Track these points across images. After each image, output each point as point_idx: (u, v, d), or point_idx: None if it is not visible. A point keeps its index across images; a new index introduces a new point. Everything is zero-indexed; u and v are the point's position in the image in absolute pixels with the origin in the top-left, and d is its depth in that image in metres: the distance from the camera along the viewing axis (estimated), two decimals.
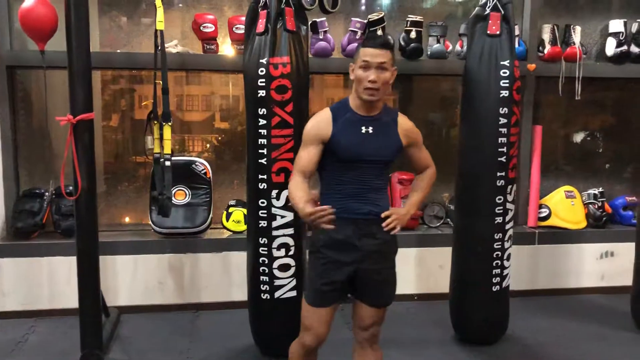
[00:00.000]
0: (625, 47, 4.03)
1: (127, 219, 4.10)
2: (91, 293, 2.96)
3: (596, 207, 4.14)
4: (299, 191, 2.26)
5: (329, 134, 2.29)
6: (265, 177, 2.94)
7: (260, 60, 2.92)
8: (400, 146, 2.37)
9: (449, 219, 4.03)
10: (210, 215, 3.72)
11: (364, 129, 2.30)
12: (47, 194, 3.62)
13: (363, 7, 4.26)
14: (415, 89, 4.49)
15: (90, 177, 2.87)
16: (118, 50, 3.86)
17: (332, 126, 2.29)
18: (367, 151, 2.29)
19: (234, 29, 3.62)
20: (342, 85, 4.47)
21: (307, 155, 2.31)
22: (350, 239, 2.26)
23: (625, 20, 4.05)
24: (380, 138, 2.32)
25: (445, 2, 4.38)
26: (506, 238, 3.17)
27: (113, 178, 4.10)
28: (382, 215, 2.28)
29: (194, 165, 3.72)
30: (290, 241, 2.98)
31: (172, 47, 3.66)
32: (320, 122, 2.32)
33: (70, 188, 2.89)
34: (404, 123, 2.41)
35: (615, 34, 4.07)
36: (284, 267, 2.97)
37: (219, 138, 4.26)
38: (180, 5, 4.05)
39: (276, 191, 2.94)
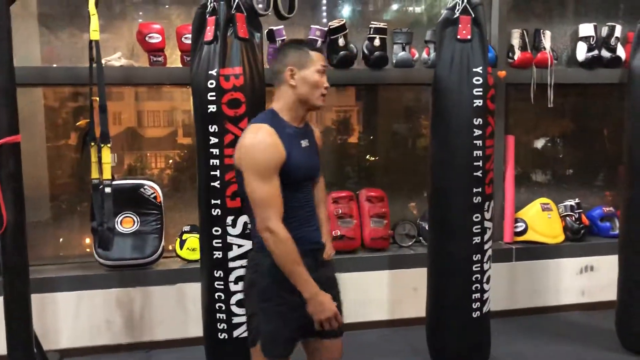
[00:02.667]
0: (596, 52, 3.88)
1: (73, 251, 3.75)
2: (22, 339, 2.62)
3: (573, 219, 3.96)
4: (301, 263, 1.93)
5: (284, 157, 1.97)
6: (218, 202, 2.66)
7: (210, 72, 2.65)
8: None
9: (421, 237, 3.79)
10: (162, 244, 3.39)
11: (303, 143, 2.07)
12: None
13: (324, 14, 4.04)
14: (380, 100, 4.28)
15: (18, 208, 2.53)
16: (54, 65, 3.52)
17: (284, 146, 1.98)
18: (312, 167, 2.11)
19: (182, 39, 3.34)
20: None
21: (276, 190, 1.95)
22: (312, 272, 1.97)
23: (595, 24, 3.90)
24: (313, 150, 2.14)
25: (409, 8, 4.17)
26: (485, 259, 2.93)
27: (59, 204, 3.75)
28: (323, 240, 2.16)
29: (142, 189, 3.39)
30: None
31: (116, 60, 3.35)
32: (271, 145, 1.96)
33: None
34: (315, 130, 2.25)
35: (586, 39, 3.91)
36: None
37: (177, 155, 4.00)
38: (129, 15, 3.75)
39: (232, 217, 2.66)
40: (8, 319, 2.59)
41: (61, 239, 3.83)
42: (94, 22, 2.67)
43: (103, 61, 2.89)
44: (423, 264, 3.16)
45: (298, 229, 2.02)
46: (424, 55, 3.72)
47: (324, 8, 4.09)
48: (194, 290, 3.18)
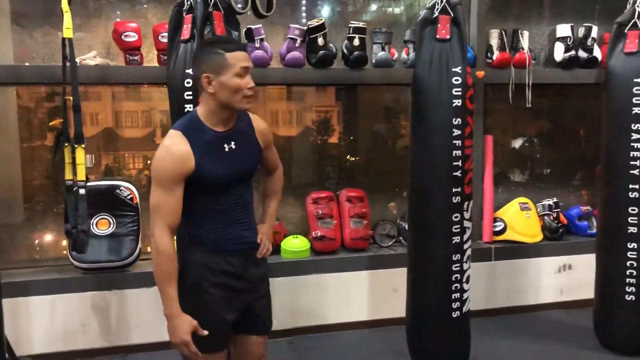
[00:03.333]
0: (573, 52, 3.90)
1: (47, 254, 3.67)
2: None
3: (552, 218, 3.98)
4: (172, 282, 1.94)
5: (192, 165, 1.94)
6: None
7: (187, 71, 2.62)
8: (260, 151, 2.16)
9: (401, 238, 3.78)
10: (139, 246, 3.33)
11: (226, 147, 2.02)
12: None
13: (304, 13, 4.00)
14: (360, 100, 4.26)
15: None
16: (27, 63, 3.44)
17: (193, 155, 1.94)
18: (237, 172, 2.04)
19: (159, 37, 3.28)
20: (284, 98, 4.19)
21: (172, 200, 1.93)
22: (238, 273, 2.05)
23: (572, 24, 3.93)
24: (243, 151, 2.07)
25: (388, 8, 4.16)
26: (465, 259, 2.93)
27: (34, 206, 3.67)
28: (258, 240, 2.15)
29: (118, 191, 3.33)
30: None
31: (91, 58, 3.29)
32: (177, 155, 1.93)
33: None
34: (259, 125, 2.17)
35: (563, 39, 3.94)
36: None
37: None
38: (104, 13, 3.68)
39: None
40: None
41: (35, 242, 3.74)
42: (67, 19, 2.62)
43: (77, 60, 2.83)
44: (403, 264, 3.15)
45: (224, 229, 2.04)
46: (403, 55, 3.72)
47: (304, 7, 4.06)
48: None
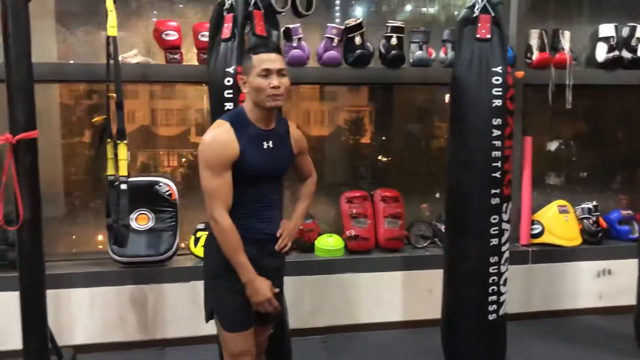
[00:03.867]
0: (616, 53, 3.82)
1: (86, 247, 3.75)
2: (37, 335, 2.62)
3: (591, 222, 3.90)
4: (240, 252, 2.11)
5: (237, 153, 2.10)
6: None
7: (227, 69, 2.64)
8: (293, 155, 2.31)
9: (436, 239, 3.75)
10: (177, 241, 3.38)
11: (265, 145, 2.17)
12: None
13: (340, 12, 4.01)
14: (393, 100, 4.25)
15: (34, 204, 2.53)
16: (71, 61, 3.53)
17: (238, 143, 2.10)
18: (270, 167, 2.18)
19: (199, 36, 3.32)
20: (317, 97, 4.21)
21: (225, 184, 2.10)
22: (253, 261, 2.15)
23: (616, 24, 3.84)
24: (279, 152, 2.21)
25: (425, 8, 4.14)
26: (502, 261, 2.89)
27: (74, 200, 3.75)
28: (278, 234, 2.25)
29: (157, 186, 3.38)
30: None
31: (132, 57, 3.35)
32: (225, 141, 2.10)
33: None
34: (295, 133, 2.34)
35: (606, 39, 3.85)
36: None
37: (190, 154, 3.99)
38: (145, 12, 3.75)
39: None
40: (24, 314, 2.59)
41: (75, 236, 3.83)
42: (112, 17, 2.67)
43: (120, 58, 2.88)
44: (438, 265, 3.13)
45: (245, 219, 2.15)
46: (441, 54, 3.69)
47: (341, 6, 4.07)
48: None
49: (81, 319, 3.27)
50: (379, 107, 4.32)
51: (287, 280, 2.84)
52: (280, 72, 2.12)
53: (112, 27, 2.67)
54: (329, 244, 3.54)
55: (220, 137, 2.10)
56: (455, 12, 4.14)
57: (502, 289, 2.92)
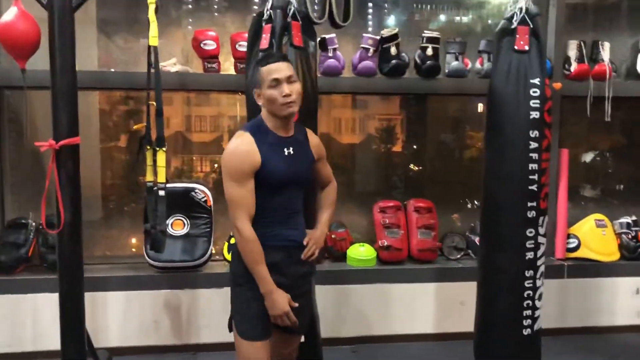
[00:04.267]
0: None
1: (122, 251, 3.83)
2: (75, 335, 2.69)
3: (630, 237, 3.82)
4: (261, 263, 2.13)
5: (258, 162, 2.13)
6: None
7: None
8: (313, 162, 2.34)
9: (469, 251, 3.72)
10: (211, 247, 3.42)
11: (286, 151, 2.20)
12: (33, 224, 3.34)
13: (376, 22, 4.03)
14: (425, 108, 4.23)
15: (74, 209, 2.60)
16: (112, 69, 3.61)
17: (259, 152, 2.13)
18: (293, 174, 2.20)
19: (237, 46, 3.37)
20: (349, 105, 4.22)
21: (249, 193, 2.14)
22: (279, 267, 2.19)
23: None
24: (300, 158, 2.24)
25: (462, 18, 4.12)
26: (538, 275, 2.84)
27: (110, 204, 3.84)
28: (305, 242, 2.26)
29: (193, 193, 3.44)
30: None
31: (171, 65, 3.42)
32: (246, 152, 2.14)
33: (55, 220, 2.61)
34: (313, 139, 2.37)
35: None
36: None
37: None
38: (184, 22, 3.83)
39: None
40: (62, 315, 2.66)
41: (111, 239, 3.91)
42: (153, 28, 2.72)
43: (159, 66, 2.94)
44: (471, 277, 3.10)
45: (271, 226, 2.18)
46: (477, 65, 3.67)
47: (375, 16, 4.08)
48: None
49: (116, 321, 3.33)
50: (411, 115, 4.31)
51: (319, 289, 2.88)
52: (289, 79, 2.15)
53: (153, 37, 2.73)
54: (361, 253, 3.54)
55: (242, 147, 2.14)
56: (489, 21, 4.11)
57: (537, 303, 2.87)
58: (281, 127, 2.20)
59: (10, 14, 2.63)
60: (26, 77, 2.75)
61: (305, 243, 2.27)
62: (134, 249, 3.86)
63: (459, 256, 3.71)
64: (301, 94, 2.21)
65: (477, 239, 3.52)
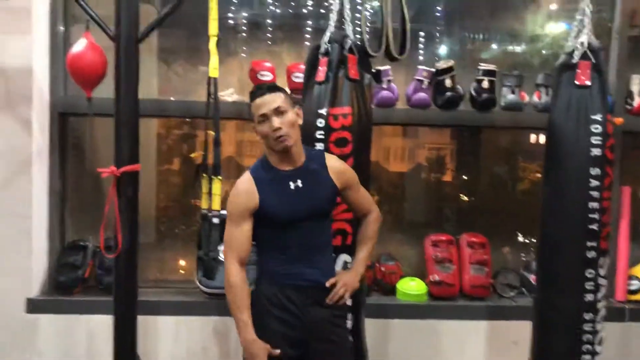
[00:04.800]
0: None
1: (173, 275, 3.89)
2: (127, 357, 2.73)
3: None
4: (244, 310, 2.11)
5: (256, 201, 2.09)
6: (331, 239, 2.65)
7: (319, 111, 2.69)
8: (335, 191, 2.20)
9: (524, 289, 3.60)
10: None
11: (292, 185, 2.12)
12: (90, 246, 3.44)
13: (422, 53, 4.02)
14: (476, 139, 4.17)
15: (132, 234, 2.66)
16: (172, 98, 3.73)
17: (258, 192, 2.09)
18: (303, 209, 2.10)
19: (292, 77, 3.43)
20: (399, 134, 4.20)
21: (240, 234, 2.11)
22: (297, 309, 2.10)
23: None
24: (312, 189, 2.13)
25: (520, 51, 4.07)
26: (598, 318, 2.73)
27: (163, 227, 3.92)
28: (328, 284, 2.16)
29: None
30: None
31: (228, 95, 3.50)
32: (243, 192, 2.13)
33: (112, 243, 2.68)
34: (334, 165, 2.25)
35: None
36: None
37: None
38: (241, 53, 3.92)
39: (332, 255, 2.63)
40: (116, 338, 2.71)
41: (164, 263, 3.98)
42: (214, 60, 2.80)
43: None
44: (525, 316, 3.01)
45: (287, 263, 2.13)
46: (535, 98, 3.60)
47: (429, 47, 4.08)
48: None
49: (166, 346, 3.36)
50: (463, 145, 4.24)
51: (367, 323, 2.84)
52: (278, 111, 2.09)
53: (214, 68, 2.81)
54: (411, 287, 3.48)
55: (239, 187, 2.15)
56: (543, 51, 4.04)
57: (597, 348, 2.75)
58: (284, 161, 2.16)
59: (80, 45, 2.76)
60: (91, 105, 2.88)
61: (328, 285, 2.16)
62: (183, 272, 3.92)
63: (512, 294, 3.59)
64: (296, 125, 2.13)
65: (532, 277, 3.41)
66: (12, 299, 3.26)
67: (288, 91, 3.45)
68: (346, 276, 2.23)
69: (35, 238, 3.32)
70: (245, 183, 2.14)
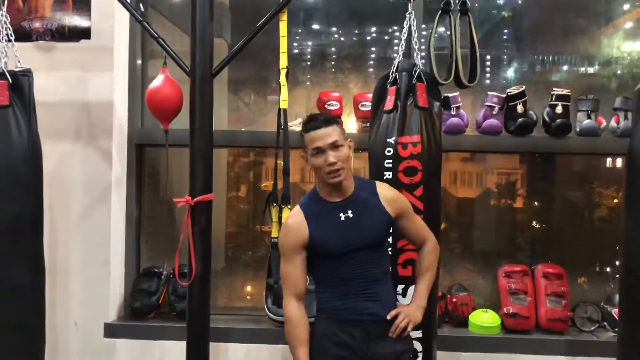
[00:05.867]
0: None
1: (242, 302, 3.94)
2: None
3: None
4: (300, 346, 2.08)
5: (306, 235, 2.08)
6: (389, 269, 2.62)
7: (388, 140, 2.69)
8: (389, 219, 2.15)
9: (605, 323, 3.41)
10: None
11: (342, 216, 2.09)
12: (165, 273, 3.54)
13: (487, 81, 3.94)
14: (547, 163, 4.01)
15: (205, 261, 2.73)
16: (243, 129, 3.83)
17: (307, 225, 2.08)
18: (354, 238, 2.07)
19: (359, 106, 3.44)
20: (468, 159, 4.11)
21: (294, 270, 2.11)
22: (359, 345, 2.04)
23: None
24: (363, 219, 2.09)
25: (595, 74, 3.93)
26: None
27: (233, 254, 3.99)
28: (389, 316, 2.11)
29: None
30: (418, 346, 2.58)
31: (296, 125, 3.55)
32: (292, 227, 2.12)
33: (185, 270, 2.75)
34: (386, 193, 2.22)
35: None
36: None
37: None
38: (308, 83, 3.99)
39: (402, 286, 2.60)
40: None
41: (233, 289, 4.03)
42: (284, 92, 2.86)
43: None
44: (607, 352, 2.90)
45: (343, 298, 2.10)
46: (613, 123, 3.45)
47: (497, 71, 4.01)
48: None
49: None
50: (534, 170, 4.09)
51: (439, 356, 2.77)
52: (333, 145, 2.07)
53: (283, 100, 2.86)
54: (484, 319, 3.36)
55: (289, 221, 2.17)
56: (619, 72, 3.89)
57: None
58: (333, 192, 2.15)
59: (158, 80, 2.89)
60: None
61: (389, 318, 2.11)
62: (251, 299, 3.95)
63: (593, 328, 3.41)
64: (349, 157, 2.13)
65: (614, 311, 3.23)
66: (92, 323, 3.40)
67: (354, 120, 3.54)
68: (408, 308, 2.19)
69: (113, 265, 3.46)
70: (295, 217, 2.17)
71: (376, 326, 2.11)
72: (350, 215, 2.12)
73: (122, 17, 3.41)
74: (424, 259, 2.31)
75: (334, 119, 2.24)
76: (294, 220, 2.15)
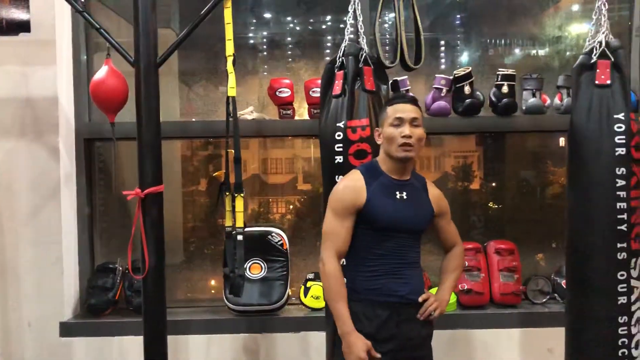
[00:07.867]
0: None
1: (202, 294, 3.93)
2: None
3: None
4: (339, 300, 2.06)
5: (364, 199, 2.09)
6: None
7: (337, 124, 2.70)
8: (432, 214, 2.22)
9: (556, 294, 3.53)
10: (288, 291, 3.44)
11: (398, 195, 2.14)
12: (119, 268, 3.49)
13: (442, 60, 4.01)
14: (502, 144, 4.12)
15: (158, 253, 2.70)
16: (193, 119, 3.79)
17: (366, 190, 2.09)
18: (404, 219, 2.12)
19: (310, 92, 3.45)
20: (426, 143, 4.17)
21: (342, 229, 2.10)
22: (388, 326, 2.06)
23: None
24: (414, 204, 2.15)
25: (538, 53, 4.03)
26: (633, 322, 2.66)
27: (191, 247, 3.96)
28: (420, 299, 2.16)
29: (269, 237, 3.49)
30: None
31: (248, 113, 3.54)
32: (352, 187, 2.13)
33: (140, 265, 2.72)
34: (434, 190, 2.30)
35: None
36: None
37: (297, 201, 4.10)
38: (264, 72, 3.98)
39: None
40: (147, 358, 2.73)
41: (191, 282, 4.01)
42: (232, 79, 2.83)
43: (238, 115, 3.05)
44: (559, 323, 2.94)
45: (378, 278, 2.10)
46: (557, 101, 3.56)
47: (448, 55, 4.07)
48: (317, 339, 3.18)
49: None
50: (488, 151, 4.20)
51: None
52: (413, 122, 2.13)
53: (232, 87, 2.83)
54: None
55: (348, 182, 2.17)
56: (567, 53, 4.00)
57: (634, 352, 2.67)
58: (396, 171, 2.18)
59: (102, 72, 2.83)
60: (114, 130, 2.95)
61: (421, 300, 2.15)
62: (213, 292, 3.94)
63: (544, 300, 3.53)
64: (423, 141, 2.17)
65: (563, 282, 3.34)
66: (47, 323, 3.33)
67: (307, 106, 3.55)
68: (437, 294, 2.25)
69: (66, 262, 3.39)
70: (355, 180, 2.16)
71: (406, 309, 2.14)
72: (405, 197, 2.16)
73: (64, 9, 3.32)
74: (453, 260, 2.38)
75: (418, 102, 2.30)
76: (354, 183, 2.15)
